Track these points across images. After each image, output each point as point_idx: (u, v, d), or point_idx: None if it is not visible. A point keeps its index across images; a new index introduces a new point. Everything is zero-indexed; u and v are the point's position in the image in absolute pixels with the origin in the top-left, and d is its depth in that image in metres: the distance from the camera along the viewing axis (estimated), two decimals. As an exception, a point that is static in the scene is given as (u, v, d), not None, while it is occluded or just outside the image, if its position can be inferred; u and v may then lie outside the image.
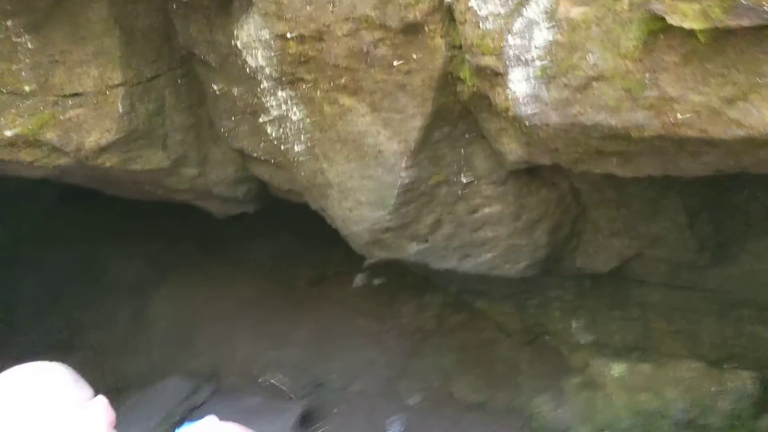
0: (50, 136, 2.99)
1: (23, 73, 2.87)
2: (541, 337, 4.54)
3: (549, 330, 4.46)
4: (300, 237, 6.08)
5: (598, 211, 3.26)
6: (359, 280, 5.62)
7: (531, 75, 2.05)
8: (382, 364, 4.89)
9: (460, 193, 2.94)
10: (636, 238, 3.35)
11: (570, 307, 4.29)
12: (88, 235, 6.18)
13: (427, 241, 3.06)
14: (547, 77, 1.99)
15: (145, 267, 5.91)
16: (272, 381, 4.89)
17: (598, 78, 1.87)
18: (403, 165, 2.71)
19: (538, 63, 2.00)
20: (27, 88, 2.90)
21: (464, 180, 2.89)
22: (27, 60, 2.87)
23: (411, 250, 3.08)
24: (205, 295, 5.49)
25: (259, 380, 4.94)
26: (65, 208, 6.43)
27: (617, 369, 4.06)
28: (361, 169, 2.83)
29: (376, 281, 5.55)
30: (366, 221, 2.99)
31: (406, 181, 2.76)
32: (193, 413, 4.58)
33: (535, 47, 1.99)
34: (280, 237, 6.15)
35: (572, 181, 3.12)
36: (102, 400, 1.30)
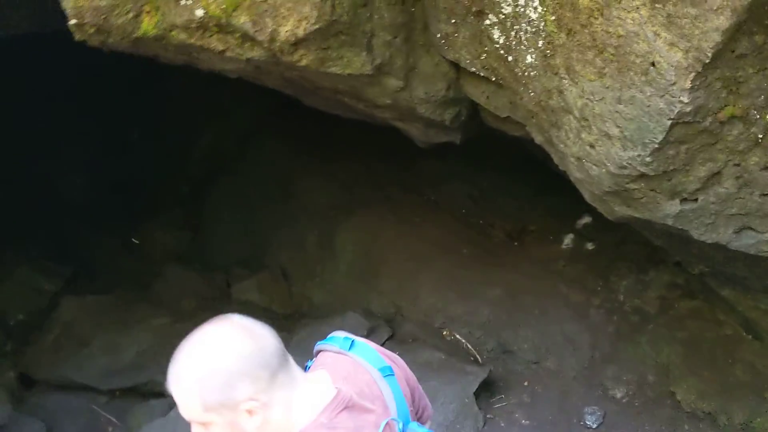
0: (243, 20, 2.57)
1: (220, -59, 2.44)
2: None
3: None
4: (503, 181, 5.37)
5: None
6: (568, 240, 4.81)
7: None
8: (586, 344, 4.11)
9: (759, 137, 2.05)
10: None
11: None
12: (288, 153, 5.99)
13: (695, 200, 2.22)
14: None
15: (338, 193, 5.59)
16: (457, 336, 4.32)
17: None
18: (686, 85, 1.89)
19: None
20: (222, -41, 2.47)
21: (772, 118, 2.00)
22: (225, -75, 2.43)
23: (668, 209, 2.26)
24: (394, 231, 5.02)
25: (443, 332, 4.40)
26: (271, 120, 6.29)
27: None
28: (618, 88, 2.05)
29: (589, 245, 4.70)
30: (612, 162, 2.22)
31: (687, 108, 1.93)
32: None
33: None
34: (481, 179, 5.49)
35: None
36: None
